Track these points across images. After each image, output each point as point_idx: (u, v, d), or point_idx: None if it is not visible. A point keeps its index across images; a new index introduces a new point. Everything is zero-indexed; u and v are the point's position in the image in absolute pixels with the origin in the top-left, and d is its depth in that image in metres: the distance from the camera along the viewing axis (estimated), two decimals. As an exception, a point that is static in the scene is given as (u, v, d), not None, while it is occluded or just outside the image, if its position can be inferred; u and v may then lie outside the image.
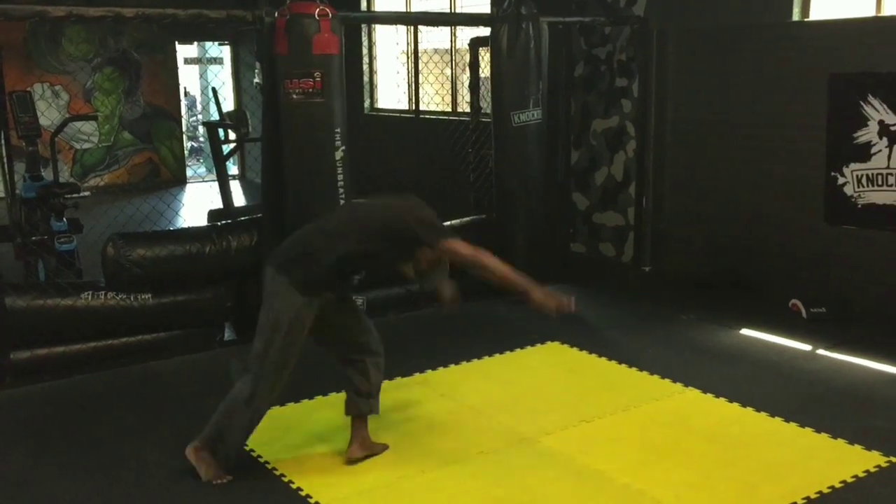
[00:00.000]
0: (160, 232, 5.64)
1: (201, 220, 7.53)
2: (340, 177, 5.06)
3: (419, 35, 9.61)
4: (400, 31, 10.01)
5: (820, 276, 5.87)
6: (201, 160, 14.01)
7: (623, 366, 4.88)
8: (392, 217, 3.52)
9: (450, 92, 9.25)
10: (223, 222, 5.78)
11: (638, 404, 4.34)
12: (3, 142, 6.76)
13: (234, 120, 7.69)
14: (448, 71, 9.25)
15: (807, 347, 5.11)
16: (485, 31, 6.39)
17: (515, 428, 4.07)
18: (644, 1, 6.79)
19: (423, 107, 9.65)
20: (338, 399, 4.47)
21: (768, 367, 4.83)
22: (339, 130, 5.02)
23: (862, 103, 5.53)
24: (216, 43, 13.24)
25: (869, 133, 5.53)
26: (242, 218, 5.83)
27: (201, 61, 13.76)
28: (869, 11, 5.66)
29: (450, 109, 9.23)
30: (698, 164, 6.65)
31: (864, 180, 5.60)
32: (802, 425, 4.02)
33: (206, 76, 13.63)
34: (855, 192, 5.65)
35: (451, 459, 3.77)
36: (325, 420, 4.24)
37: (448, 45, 9.23)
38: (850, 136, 5.62)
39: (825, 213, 5.82)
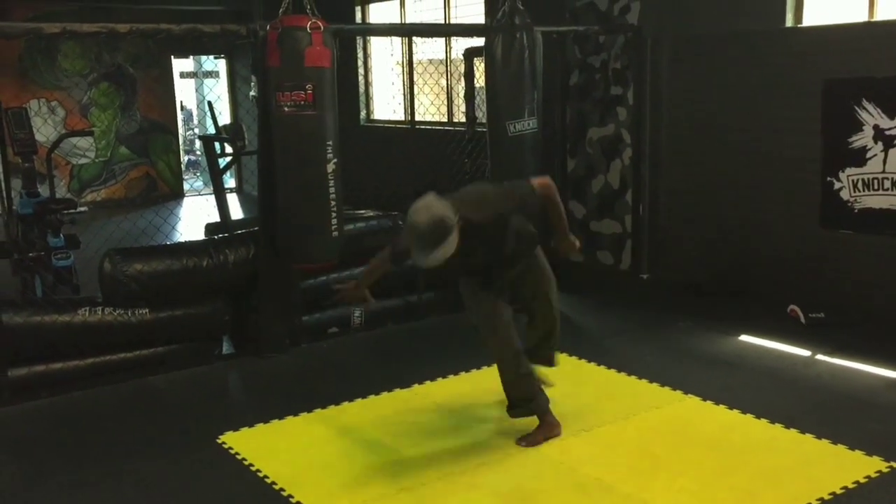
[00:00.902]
0: (157, 246, 5.63)
1: (199, 234, 7.52)
2: (332, 189, 5.05)
3: (414, 46, 9.63)
4: (395, 43, 10.03)
5: (818, 282, 5.87)
6: (198, 174, 14.01)
7: (622, 374, 4.87)
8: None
9: (445, 102, 9.26)
10: (220, 236, 5.77)
11: (638, 412, 4.33)
12: (-1, 158, 6.77)
13: (230, 133, 7.68)
14: (444, 81, 9.26)
15: (806, 353, 5.10)
16: (479, 42, 6.39)
17: (514, 438, 4.05)
18: (638, 9, 6.81)
19: (419, 117, 9.66)
20: (336, 412, 4.48)
21: (767, 373, 4.82)
22: (330, 143, 5.01)
23: (856, 108, 5.54)
24: (212, 57, 13.26)
25: (864, 138, 5.54)
26: (239, 231, 5.81)
27: (197, 75, 13.77)
28: (862, 17, 5.68)
29: (446, 120, 9.24)
30: (694, 171, 6.66)
31: (860, 185, 5.60)
32: (803, 431, 4.01)
33: (201, 90, 13.65)
34: (851, 196, 5.65)
35: (451, 471, 3.76)
36: (324, 434, 4.23)
37: (443, 56, 9.25)
38: (846, 141, 5.63)
39: (821, 218, 5.83)
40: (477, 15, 8.45)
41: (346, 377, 5.01)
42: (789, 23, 6.00)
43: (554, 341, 4.37)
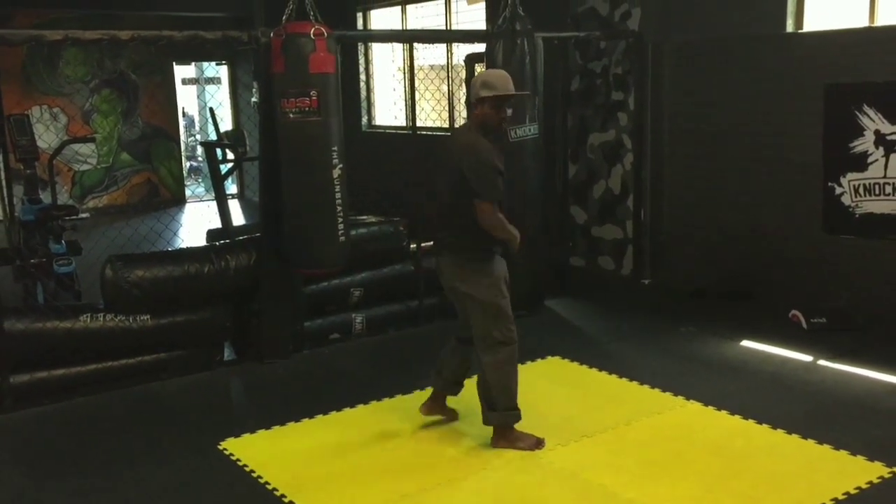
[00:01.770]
0: (158, 253, 5.64)
1: (201, 240, 7.53)
2: (338, 195, 5.06)
3: (416, 52, 9.65)
4: (396, 49, 10.04)
5: (820, 287, 5.87)
6: (200, 180, 14.02)
7: (624, 379, 4.86)
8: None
9: (448, 107, 9.26)
10: (221, 242, 5.77)
11: (640, 418, 4.33)
12: (1, 165, 6.79)
13: (231, 139, 7.70)
14: (445, 88, 9.27)
15: (808, 358, 5.10)
16: (481, 48, 6.40)
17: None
18: (639, 15, 6.82)
19: (421, 123, 9.67)
20: (338, 418, 4.48)
21: (769, 378, 4.81)
22: (336, 149, 5.02)
23: (857, 113, 5.55)
24: (213, 63, 13.29)
25: (865, 143, 5.54)
26: (241, 237, 5.82)
27: (199, 81, 13.79)
28: (862, 22, 5.69)
29: (447, 126, 9.24)
30: (696, 176, 6.66)
31: (861, 190, 5.60)
32: (805, 437, 4.00)
33: (203, 96, 13.67)
34: (853, 201, 5.65)
35: (453, 477, 3.76)
36: (325, 439, 4.23)
37: (445, 62, 9.26)
38: (847, 146, 5.63)
39: (823, 223, 5.83)
40: (478, 21, 8.46)
41: (347, 383, 5.01)
42: (790, 28, 6.01)
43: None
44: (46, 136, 9.76)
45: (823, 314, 5.63)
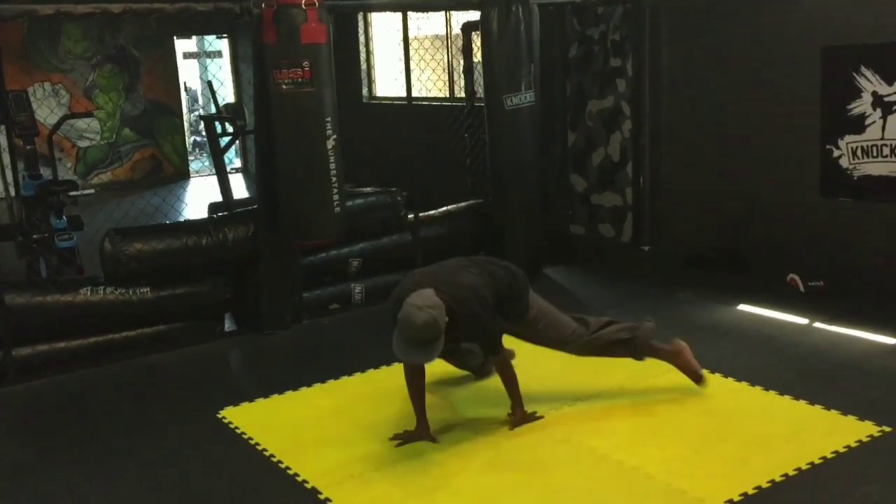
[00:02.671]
0: (157, 226, 5.68)
1: (203, 214, 7.57)
2: (333, 166, 5.07)
3: (418, 22, 9.59)
4: (399, 19, 9.98)
5: (817, 250, 5.86)
6: (204, 154, 14.05)
7: (620, 345, 4.88)
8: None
9: (447, 78, 9.24)
10: (220, 214, 5.81)
11: (634, 383, 4.36)
12: (4, 142, 6.83)
13: (230, 112, 7.70)
14: (445, 57, 9.23)
15: (804, 321, 5.11)
16: (477, 15, 6.38)
17: (510, 407, 4.09)
18: (636, -21, 6.75)
19: (423, 93, 9.64)
20: (336, 387, 4.54)
21: (765, 341, 4.84)
22: (329, 119, 5.02)
23: (855, 75, 5.50)
24: (214, 36, 13.26)
25: (863, 105, 5.50)
26: (239, 210, 5.86)
27: (200, 55, 13.77)
28: (860, -18, 5.62)
29: (447, 95, 9.22)
30: (694, 142, 6.63)
31: (858, 152, 5.57)
32: (797, 398, 4.03)
33: (207, 70, 13.65)
34: (850, 164, 5.62)
35: (447, 443, 3.80)
36: (322, 407, 4.29)
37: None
38: (845, 108, 5.59)
39: (821, 186, 5.80)
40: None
41: (346, 353, 5.06)
42: (787, -10, 5.94)
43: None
44: (44, 112, 9.79)
45: (820, 277, 5.63)
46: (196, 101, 14.56)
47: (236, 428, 4.06)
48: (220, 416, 4.20)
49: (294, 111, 4.97)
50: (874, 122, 5.46)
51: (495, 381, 4.05)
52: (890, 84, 5.33)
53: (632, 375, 4.43)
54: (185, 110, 13.14)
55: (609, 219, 7.30)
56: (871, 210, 5.56)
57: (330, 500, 3.38)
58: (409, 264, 6.06)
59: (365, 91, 10.56)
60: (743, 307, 5.43)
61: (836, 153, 5.69)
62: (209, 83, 8.42)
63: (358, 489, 3.47)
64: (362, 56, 10.48)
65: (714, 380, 4.32)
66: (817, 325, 5.05)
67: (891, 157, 5.41)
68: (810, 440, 3.63)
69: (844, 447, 3.55)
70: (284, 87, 4.92)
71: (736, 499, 3.22)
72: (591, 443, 3.73)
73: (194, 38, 13.41)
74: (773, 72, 5.99)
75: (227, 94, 12.36)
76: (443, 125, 7.52)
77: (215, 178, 7.61)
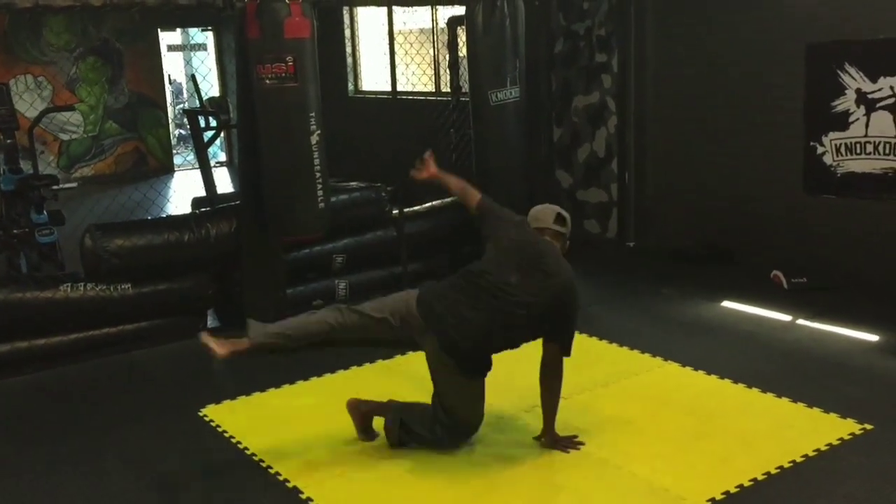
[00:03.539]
0: (138, 221, 5.63)
1: (187, 209, 7.52)
2: (317, 161, 5.04)
3: (404, 16, 9.54)
4: (385, 12, 9.93)
5: (800, 247, 5.88)
6: (189, 148, 13.95)
7: (604, 342, 4.89)
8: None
9: (433, 72, 9.20)
10: (202, 210, 5.77)
11: (618, 380, 4.36)
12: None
13: (214, 106, 7.63)
14: (432, 51, 9.19)
15: (787, 318, 5.13)
16: (463, 10, 6.34)
17: (495, 404, 4.05)
18: (621, -25, 6.74)
19: (409, 87, 9.60)
20: (318, 384, 4.51)
21: (748, 338, 4.85)
22: (313, 114, 4.99)
23: (839, 72, 5.52)
24: (199, 29, 13.15)
25: (847, 102, 5.52)
26: (222, 205, 5.81)
27: (185, 48, 13.66)
28: (845, -21, 5.63)
29: (433, 90, 9.19)
30: (679, 138, 6.64)
31: (842, 149, 5.59)
32: (779, 395, 4.04)
33: (191, 63, 13.55)
34: (834, 161, 5.64)
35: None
36: (305, 405, 4.27)
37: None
38: (829, 105, 5.61)
39: (805, 183, 5.82)
40: (462, -17, 8.35)
41: (329, 349, 5.01)
42: (772, -13, 5.95)
43: None
44: (25, 105, 9.67)
45: (804, 274, 5.65)
46: (180, 94, 14.44)
47: (218, 426, 4.03)
48: (201, 413, 4.17)
49: (277, 106, 4.94)
50: (858, 119, 5.48)
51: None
52: (874, 81, 5.35)
53: (615, 372, 4.44)
54: (169, 103, 13.03)
55: (594, 215, 7.30)
56: (855, 207, 5.58)
57: (311, 500, 3.36)
58: (393, 260, 6.07)
59: (350, 85, 10.51)
60: (727, 303, 5.44)
61: (819, 150, 5.71)
62: (193, 77, 8.35)
63: (339, 487, 3.45)
64: (348, 49, 10.42)
65: (697, 377, 4.33)
66: (800, 321, 5.06)
67: (874, 154, 5.43)
68: (792, 438, 3.64)
69: (826, 445, 3.56)
70: (268, 81, 4.88)
71: (718, 497, 3.22)
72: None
73: (179, 30, 13.31)
74: (758, 68, 6.00)
75: (211, 88, 12.27)
76: (428, 120, 7.49)
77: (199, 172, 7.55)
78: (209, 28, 12.77)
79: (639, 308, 5.47)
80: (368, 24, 10.39)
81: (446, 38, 7.15)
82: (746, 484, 3.30)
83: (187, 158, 13.27)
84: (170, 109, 13.06)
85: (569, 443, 3.64)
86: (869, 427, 3.69)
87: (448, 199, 6.59)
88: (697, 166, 6.52)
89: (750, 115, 6.10)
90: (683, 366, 4.46)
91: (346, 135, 8.80)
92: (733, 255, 6.27)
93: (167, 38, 12.90)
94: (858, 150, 5.50)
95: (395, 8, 9.45)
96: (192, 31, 13.43)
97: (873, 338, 4.74)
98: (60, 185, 6.29)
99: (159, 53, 12.39)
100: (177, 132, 13.66)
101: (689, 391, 4.19)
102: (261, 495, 3.43)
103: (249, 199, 5.28)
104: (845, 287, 5.51)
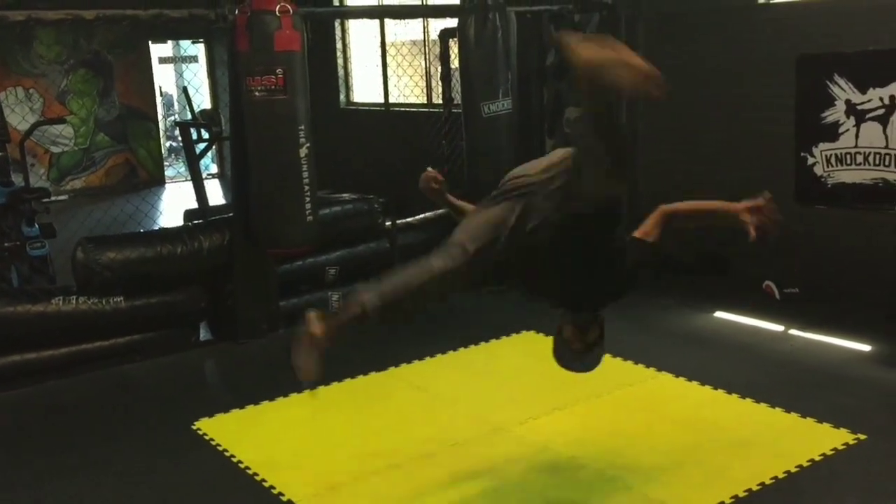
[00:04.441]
0: (130, 234, 5.62)
1: (179, 221, 7.51)
2: (306, 174, 5.03)
3: (396, 28, 9.56)
4: (377, 24, 9.95)
5: (792, 257, 5.89)
6: (181, 159, 13.93)
7: (597, 353, 4.88)
8: None
9: (425, 84, 9.21)
10: (195, 222, 5.75)
11: (611, 391, 4.36)
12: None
13: (206, 119, 7.65)
14: (424, 63, 9.21)
15: (779, 328, 5.14)
16: (455, 22, 6.37)
17: (489, 417, 4.08)
18: (612, -13, 6.78)
19: (401, 99, 9.61)
20: (311, 396, 4.49)
21: (741, 349, 4.86)
22: (303, 127, 4.98)
23: (829, 83, 5.55)
24: (191, 41, 13.16)
25: (837, 113, 5.55)
26: (215, 217, 5.80)
27: (176, 60, 13.66)
28: (834, -9, 5.68)
29: (425, 101, 9.20)
30: (670, 149, 6.66)
31: (833, 160, 5.62)
32: (773, 406, 4.05)
33: (182, 75, 13.55)
34: (825, 171, 5.67)
35: (423, 452, 3.78)
36: (299, 417, 4.26)
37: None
38: (819, 116, 5.63)
39: (796, 193, 5.84)
40: (453, -5, 8.38)
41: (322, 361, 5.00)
42: (762, -1, 6.00)
43: None
44: (16, 118, 9.65)
45: (796, 284, 5.66)
46: (172, 106, 14.43)
47: (211, 439, 4.01)
48: (194, 427, 4.15)
49: (267, 118, 4.93)
50: (847, 130, 5.51)
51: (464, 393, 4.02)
52: (863, 92, 5.38)
53: (609, 383, 4.43)
54: (160, 115, 13.02)
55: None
56: (845, 217, 5.60)
57: (306, 513, 3.35)
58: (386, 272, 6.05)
59: (342, 97, 10.52)
60: (720, 314, 5.45)
61: (810, 161, 5.73)
62: (184, 89, 8.37)
63: (334, 501, 3.44)
64: (339, 61, 10.44)
65: (691, 388, 4.33)
66: (793, 331, 5.08)
67: (864, 164, 5.46)
68: (787, 448, 3.65)
69: (820, 455, 3.56)
70: (257, 94, 4.88)
71: (713, 508, 3.23)
72: (570, 452, 3.72)
73: (170, 42, 13.30)
74: (749, 80, 6.03)
75: (203, 100, 12.26)
76: (421, 131, 7.50)
77: (191, 184, 7.54)
78: (200, 40, 12.77)
79: (631, 319, 5.45)
80: (360, 36, 10.40)
81: (438, 50, 7.16)
82: (741, 494, 3.30)
83: (179, 171, 13.25)
84: (161, 121, 13.04)
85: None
86: (862, 437, 3.70)
87: (441, 211, 6.60)
88: (689, 177, 6.53)
89: (741, 125, 6.12)
90: (677, 376, 4.47)
91: (339, 147, 8.80)
92: (726, 265, 6.27)
93: (158, 50, 12.89)
94: (848, 161, 5.53)
95: (387, 20, 9.48)
96: (184, 43, 13.43)
97: (866, 348, 4.76)
98: (52, 198, 6.27)
99: (150, 65, 12.38)
100: (168, 144, 13.64)
101: (683, 402, 4.20)
102: (255, 509, 3.41)
103: (242, 211, 5.27)
104: (837, 297, 5.52)
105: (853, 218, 5.57)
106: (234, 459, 3.80)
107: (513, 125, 6.13)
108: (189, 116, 8.28)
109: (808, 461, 3.52)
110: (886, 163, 5.34)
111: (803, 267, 5.82)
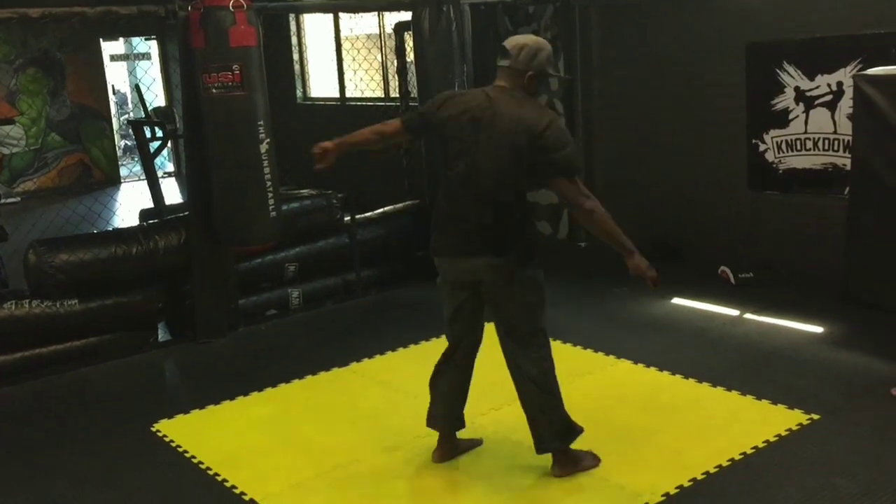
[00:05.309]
0: (83, 235, 5.53)
1: (135, 221, 7.41)
2: (267, 170, 5.00)
3: (351, 22, 9.51)
4: (331, 18, 9.89)
5: (746, 242, 6.00)
6: (136, 158, 13.72)
7: (557, 342, 4.88)
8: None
9: (382, 78, 9.18)
10: (150, 222, 5.68)
11: (571, 380, 4.37)
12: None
13: (160, 116, 7.55)
14: (380, 57, 9.18)
15: (735, 312, 5.23)
16: (409, 16, 6.35)
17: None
18: (565, -22, 6.82)
19: (358, 93, 9.57)
20: (273, 395, 4.47)
21: (697, 334, 4.93)
22: (262, 123, 4.95)
23: (778, 71, 5.65)
24: (142, 38, 12.96)
25: (786, 100, 5.66)
26: (170, 216, 5.73)
27: (128, 58, 13.44)
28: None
29: (382, 95, 9.17)
30: (626, 138, 6.73)
31: (783, 146, 5.73)
32: (729, 389, 4.12)
33: (135, 73, 13.34)
34: (776, 157, 5.78)
35: (388, 446, 3.78)
36: (260, 416, 4.23)
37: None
38: (769, 103, 5.74)
39: (748, 179, 5.95)
40: (408, -12, 8.35)
41: (283, 359, 4.99)
42: (712, -12, 6.07)
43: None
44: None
45: (750, 269, 5.77)
46: (125, 104, 14.22)
47: (171, 441, 3.97)
48: (154, 429, 4.10)
49: (225, 115, 4.89)
50: (797, 116, 5.62)
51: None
52: (811, 79, 5.49)
53: (569, 371, 4.44)
54: (113, 114, 12.81)
55: (545, 216, 7.36)
56: (797, 202, 5.72)
57: (268, 512, 3.33)
58: (346, 267, 6.05)
59: (299, 91, 10.45)
60: (676, 300, 5.53)
61: (761, 147, 5.84)
62: (137, 87, 8.24)
63: (297, 499, 3.43)
64: (295, 56, 10.36)
65: (649, 374, 4.39)
66: (748, 315, 5.17)
67: (814, 150, 5.57)
68: (743, 430, 3.72)
69: (776, 436, 3.64)
70: (214, 91, 4.83)
71: (672, 492, 3.28)
72: (531, 442, 3.73)
73: (122, 40, 13.09)
74: (701, 68, 6.11)
75: (156, 98, 12.09)
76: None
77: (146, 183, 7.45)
78: (153, 37, 12.58)
79: (590, 308, 5.53)
80: (315, 31, 10.33)
81: (393, 43, 7.14)
82: (700, 477, 3.36)
83: (133, 170, 13.06)
84: (114, 120, 12.84)
85: (653, 274, 3.40)
86: (816, 417, 3.79)
87: (400, 205, 6.60)
88: (644, 166, 6.61)
89: (694, 113, 6.21)
90: (635, 363, 4.53)
91: (296, 142, 8.73)
92: (682, 251, 6.37)
93: (110, 47, 12.68)
94: (799, 147, 5.64)
95: (341, 14, 9.42)
96: (136, 40, 13.23)
97: (818, 329, 4.86)
98: (3, 201, 6.15)
99: (102, 63, 12.18)
100: (122, 143, 13.44)
101: (642, 388, 4.25)
102: (217, 509, 3.39)
103: (198, 209, 5.22)
104: (790, 281, 5.64)
105: (804, 203, 5.68)
106: (195, 460, 3.77)
107: (469, 118, 6.12)
108: (142, 115, 8.16)
109: (763, 442, 3.59)
110: (835, 148, 5.46)
111: (757, 252, 5.92)
